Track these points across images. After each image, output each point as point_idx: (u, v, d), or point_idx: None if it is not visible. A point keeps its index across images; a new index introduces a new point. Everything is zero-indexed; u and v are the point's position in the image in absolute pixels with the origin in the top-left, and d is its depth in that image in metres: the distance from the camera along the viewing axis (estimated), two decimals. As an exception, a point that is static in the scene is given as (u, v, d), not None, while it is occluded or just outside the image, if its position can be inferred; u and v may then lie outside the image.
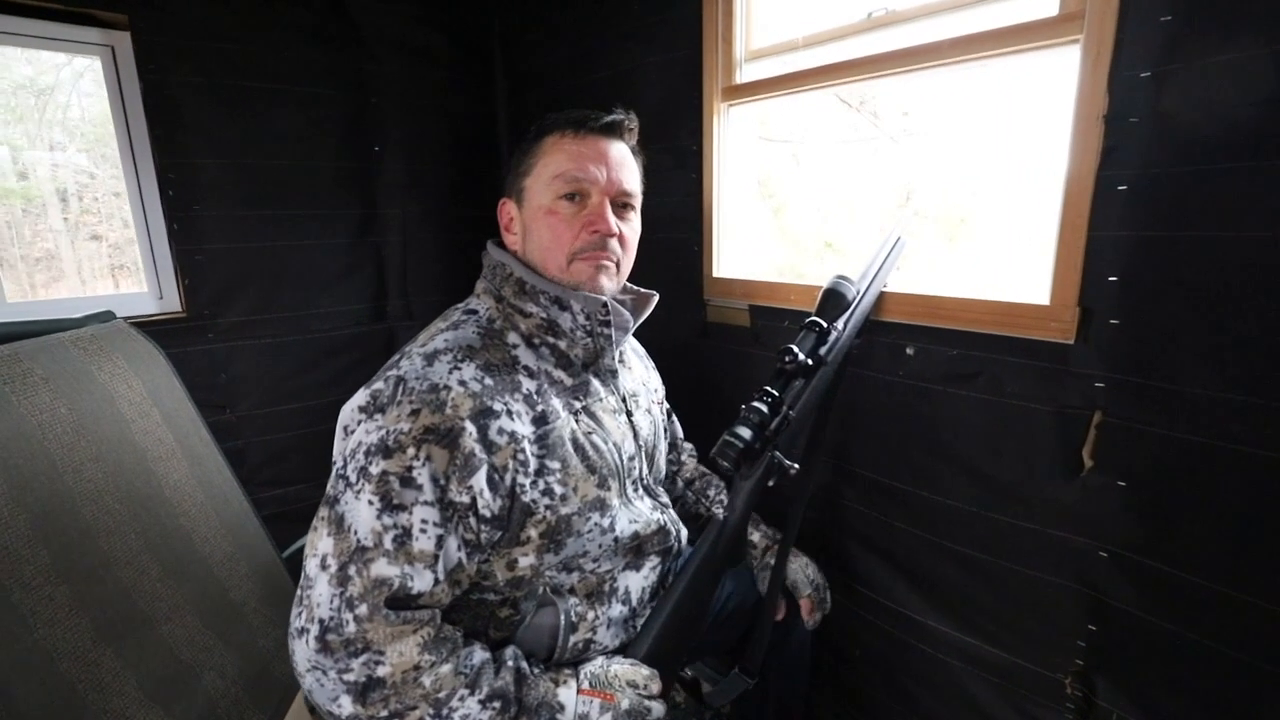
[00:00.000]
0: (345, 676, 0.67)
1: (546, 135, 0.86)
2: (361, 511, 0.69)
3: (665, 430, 1.19)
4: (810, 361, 0.93)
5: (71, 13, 1.37)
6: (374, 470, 0.69)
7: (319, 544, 0.71)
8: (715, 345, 1.47)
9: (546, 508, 0.78)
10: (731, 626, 1.12)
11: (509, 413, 0.76)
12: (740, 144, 1.41)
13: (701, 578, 0.89)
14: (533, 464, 0.77)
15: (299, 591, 0.71)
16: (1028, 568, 1.01)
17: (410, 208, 1.86)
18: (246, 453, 1.69)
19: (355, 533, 0.69)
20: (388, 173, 1.82)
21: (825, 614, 1.10)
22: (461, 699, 0.71)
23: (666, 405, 1.21)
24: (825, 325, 0.97)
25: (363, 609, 0.67)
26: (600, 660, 0.82)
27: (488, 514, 0.73)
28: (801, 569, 1.08)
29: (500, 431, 0.74)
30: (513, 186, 0.88)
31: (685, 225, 1.47)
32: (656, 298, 0.99)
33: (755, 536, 1.12)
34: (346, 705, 0.68)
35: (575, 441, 0.82)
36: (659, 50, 1.46)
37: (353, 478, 0.70)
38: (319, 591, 0.69)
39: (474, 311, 0.86)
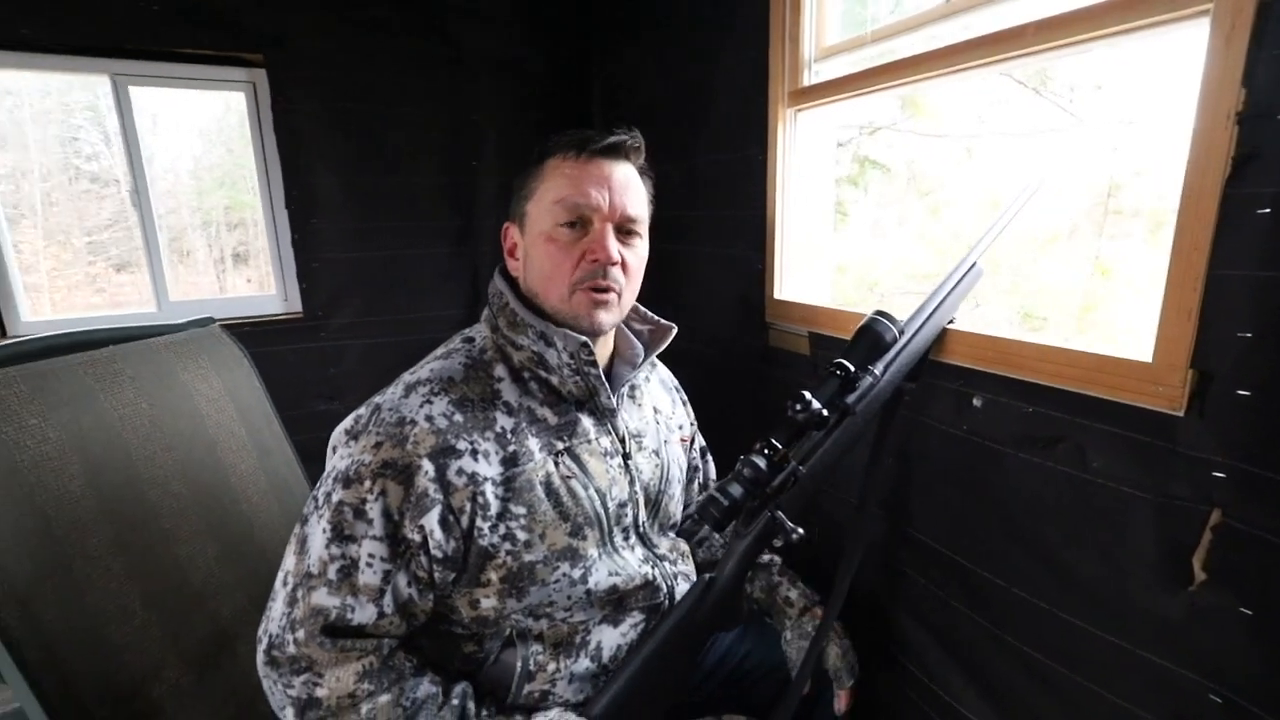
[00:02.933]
0: (289, 691, 0.70)
1: (548, 157, 0.82)
2: (316, 538, 0.71)
3: (698, 470, 1.10)
4: (825, 412, 0.80)
5: (222, 56, 1.60)
6: (334, 498, 0.71)
7: (287, 559, 0.74)
8: (776, 373, 1.35)
9: (508, 553, 0.75)
10: (750, 687, 1.02)
11: (474, 452, 0.74)
12: (814, 153, 1.27)
13: (675, 641, 0.81)
14: (494, 507, 0.74)
15: (269, 599, 0.76)
16: (1112, 693, 0.79)
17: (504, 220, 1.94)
18: (349, 440, 1.88)
19: (309, 556, 0.71)
20: (484, 186, 1.91)
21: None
22: (398, 730, 0.71)
23: (702, 442, 1.12)
24: (853, 370, 0.84)
25: (301, 633, 0.69)
26: (555, 712, 0.78)
27: (440, 554, 0.72)
28: (842, 655, 0.95)
29: (459, 472, 0.72)
30: (516, 210, 0.86)
31: (751, 241, 1.36)
32: (675, 330, 0.92)
33: (793, 594, 1.00)
34: (290, 717, 0.71)
35: (549, 486, 0.78)
36: (731, 53, 1.37)
37: (320, 500, 0.73)
38: (276, 606, 0.72)
39: (471, 340, 0.85)
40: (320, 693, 0.69)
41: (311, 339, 1.80)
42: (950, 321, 0.93)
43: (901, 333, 0.87)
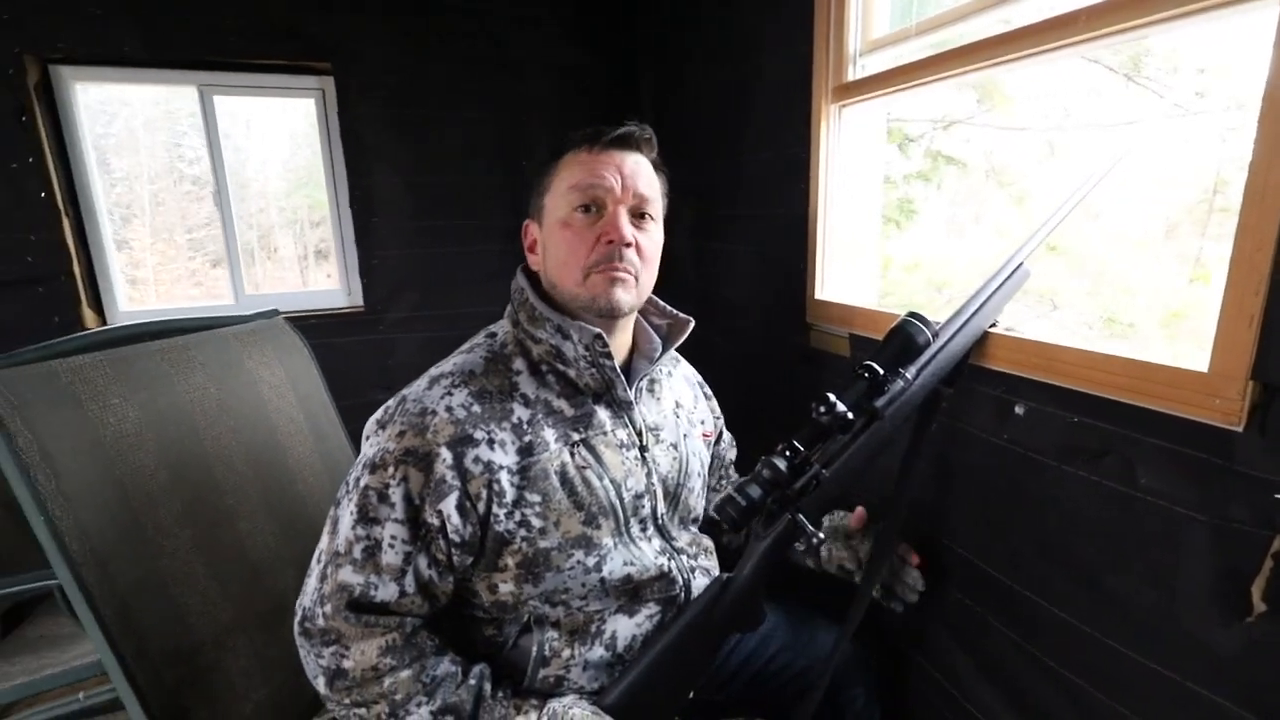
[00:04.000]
0: (320, 661, 0.75)
1: (563, 153, 0.84)
2: (345, 519, 0.76)
3: (723, 465, 1.10)
4: (851, 415, 0.78)
5: (294, 66, 1.71)
6: (362, 483, 0.75)
7: (322, 538, 0.79)
8: (816, 374, 1.32)
9: (523, 539, 0.77)
10: (776, 690, 1.01)
11: (490, 442, 0.76)
12: (858, 151, 1.23)
13: (690, 637, 0.81)
14: (510, 494, 0.77)
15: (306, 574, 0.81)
16: (1159, 727, 0.73)
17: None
18: (404, 429, 1.98)
19: (338, 536, 0.76)
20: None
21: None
22: (418, 705, 0.74)
23: (729, 436, 1.12)
24: (881, 372, 0.81)
25: (329, 607, 0.74)
26: (570, 699, 0.79)
27: (457, 538, 0.75)
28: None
29: (476, 460, 0.75)
30: (534, 206, 0.88)
31: (793, 240, 1.34)
32: (692, 324, 0.93)
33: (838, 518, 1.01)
34: (321, 685, 0.76)
35: (563, 475, 0.80)
36: (775, 49, 1.35)
37: (350, 485, 0.78)
38: (310, 582, 0.77)
39: (493, 335, 0.88)
40: (347, 664, 0.74)
41: (371, 331, 1.90)
42: (993, 325, 0.89)
43: (936, 335, 0.84)
